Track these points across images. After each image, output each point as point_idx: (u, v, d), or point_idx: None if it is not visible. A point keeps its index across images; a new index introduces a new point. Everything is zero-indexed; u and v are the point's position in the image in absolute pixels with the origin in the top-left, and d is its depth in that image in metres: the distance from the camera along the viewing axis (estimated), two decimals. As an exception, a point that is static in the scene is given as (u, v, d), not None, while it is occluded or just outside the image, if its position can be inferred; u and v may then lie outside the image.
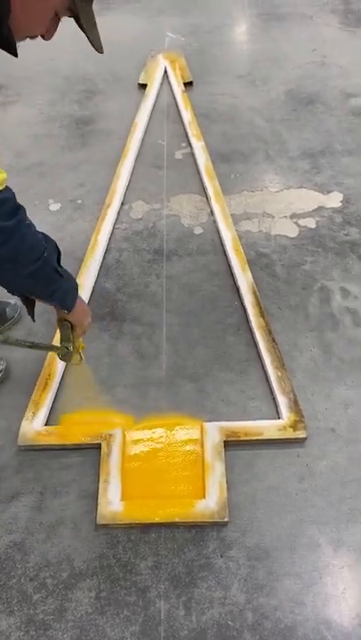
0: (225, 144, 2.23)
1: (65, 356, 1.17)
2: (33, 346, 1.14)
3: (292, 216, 1.87)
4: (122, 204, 1.94)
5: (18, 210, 0.88)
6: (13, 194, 0.87)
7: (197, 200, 1.96)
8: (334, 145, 2.19)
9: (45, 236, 0.97)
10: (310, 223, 1.83)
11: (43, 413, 1.28)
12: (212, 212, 1.89)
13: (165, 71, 2.70)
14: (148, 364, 1.42)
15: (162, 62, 2.75)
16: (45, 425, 1.27)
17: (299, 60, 2.81)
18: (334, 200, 1.92)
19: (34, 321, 1.16)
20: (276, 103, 2.48)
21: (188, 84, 2.61)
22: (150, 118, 2.38)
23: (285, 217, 1.87)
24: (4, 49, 0.83)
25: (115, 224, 1.86)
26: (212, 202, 1.90)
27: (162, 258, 1.73)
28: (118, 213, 1.90)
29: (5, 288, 1.01)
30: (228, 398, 1.33)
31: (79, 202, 1.95)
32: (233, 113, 2.42)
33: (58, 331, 1.19)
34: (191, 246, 1.77)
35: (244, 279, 1.60)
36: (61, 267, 1.00)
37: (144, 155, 2.18)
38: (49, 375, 1.36)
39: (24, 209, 0.90)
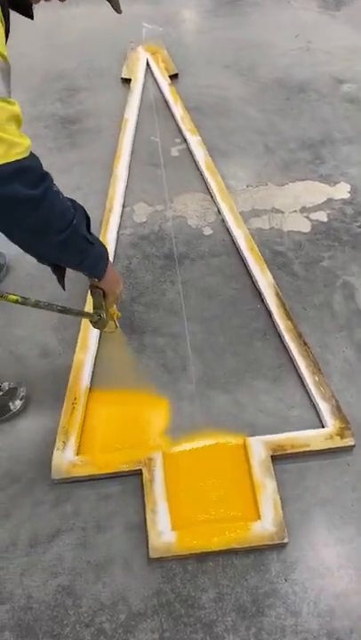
0: (221, 138, 2.16)
1: (98, 322, 1.14)
2: (64, 310, 1.08)
3: (303, 210, 1.82)
4: (123, 206, 1.85)
5: (45, 177, 0.84)
6: (39, 160, 0.84)
7: (202, 198, 1.89)
8: (333, 134, 2.15)
9: (73, 203, 0.93)
10: (322, 217, 1.79)
11: (73, 441, 1.20)
12: (219, 211, 1.83)
13: (148, 64, 2.61)
14: (176, 377, 1.36)
15: (143, 55, 2.65)
16: (78, 454, 1.19)
17: (283, 47, 2.75)
18: (342, 191, 1.88)
19: (64, 289, 1.10)
20: (267, 92, 2.42)
21: (173, 77, 2.52)
22: (139, 114, 2.28)
23: (295, 211, 1.82)
24: (18, 11, 0.83)
25: (119, 229, 1.77)
26: (218, 200, 1.83)
27: (173, 263, 1.66)
28: (121, 217, 1.81)
29: (34, 257, 0.97)
30: (267, 408, 1.28)
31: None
32: (224, 105, 2.35)
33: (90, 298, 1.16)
34: (203, 248, 1.70)
35: (264, 280, 1.54)
36: (91, 234, 0.97)
37: (139, 153, 2.09)
38: (75, 399, 1.28)
39: (50, 176, 0.86)
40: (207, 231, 1.76)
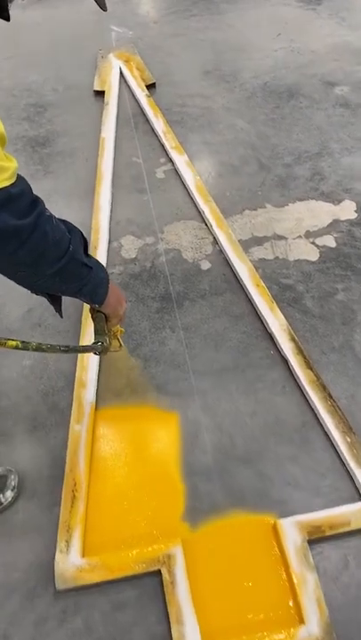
0: (210, 155, 2.05)
1: (102, 351, 1.06)
2: (68, 350, 0.97)
3: (307, 235, 1.71)
4: (109, 242, 1.72)
5: (35, 203, 0.77)
6: (27, 183, 0.77)
7: (195, 227, 1.77)
8: (330, 144, 2.06)
9: (67, 225, 0.86)
10: (329, 241, 1.69)
11: (78, 540, 1.07)
12: (216, 241, 1.71)
13: (122, 73, 2.47)
14: (188, 448, 1.23)
15: (115, 63, 2.52)
16: (84, 555, 1.06)
17: (266, 48, 2.65)
18: (348, 210, 1.79)
19: (61, 317, 1.05)
20: (254, 100, 2.31)
21: (150, 87, 2.40)
22: (117, 131, 2.15)
23: (300, 237, 1.71)
24: None
25: (106, 268, 1.63)
26: (214, 228, 1.71)
27: (172, 305, 1.53)
28: (108, 254, 1.68)
29: (27, 288, 0.91)
30: (296, 480, 1.16)
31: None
32: (209, 116, 2.24)
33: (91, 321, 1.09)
34: (202, 286, 1.58)
35: (275, 322, 1.43)
36: (89, 256, 0.91)
37: (121, 177, 1.96)
38: (75, 484, 1.15)
39: (41, 201, 0.79)
40: (205, 265, 1.64)
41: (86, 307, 1.16)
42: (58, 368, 1.38)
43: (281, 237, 1.72)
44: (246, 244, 1.69)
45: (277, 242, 1.70)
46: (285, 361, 1.37)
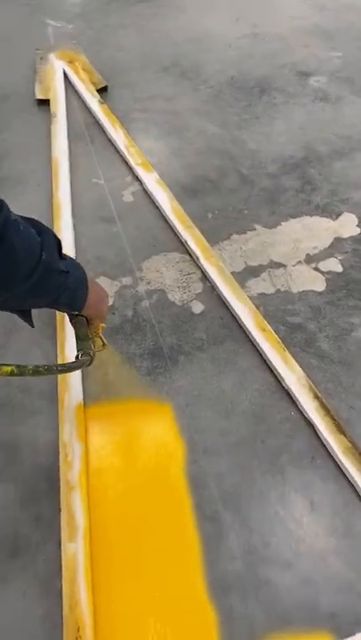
0: (182, 170, 1.86)
1: (90, 363, 0.96)
2: (64, 369, 0.90)
3: (309, 260, 1.56)
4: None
5: None
6: None
7: (178, 260, 1.58)
8: (316, 146, 1.91)
9: (36, 226, 0.75)
10: (334, 266, 1.54)
11: None
12: (205, 276, 1.53)
13: (66, 76, 2.24)
14: (212, 553, 1.06)
15: (57, 65, 2.29)
16: None
17: (226, 36, 2.48)
18: (349, 225, 1.65)
19: (32, 327, 0.93)
20: (222, 99, 2.14)
21: (101, 91, 2.18)
22: (71, 148, 1.93)
23: (300, 263, 1.56)
24: None
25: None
26: (202, 261, 1.54)
27: (164, 363, 1.35)
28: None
29: None
30: (347, 582, 1.01)
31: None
32: (175, 122, 2.05)
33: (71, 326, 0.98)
34: (198, 334, 1.40)
35: (291, 375, 1.27)
36: (63, 258, 0.81)
37: (82, 205, 1.75)
38: (78, 628, 0.95)
39: (4, 203, 0.68)
40: (197, 307, 1.47)
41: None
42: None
43: (279, 265, 1.56)
44: (241, 277, 1.53)
45: (276, 271, 1.54)
46: (311, 424, 1.21)
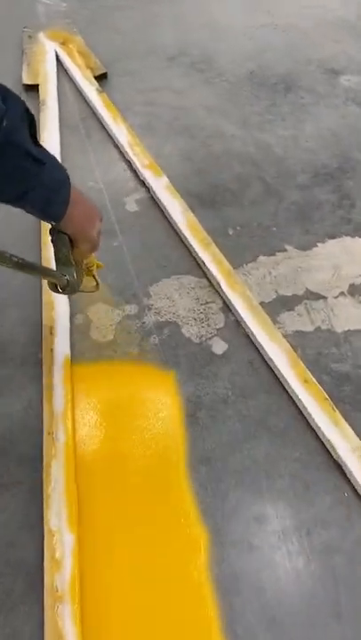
0: (196, 175, 1.63)
1: (66, 288, 0.88)
2: (23, 265, 0.75)
3: (353, 290, 1.35)
4: (70, 317, 1.26)
5: None
6: None
7: (194, 285, 1.35)
8: (353, 154, 1.71)
9: (3, 93, 0.65)
10: (385, 300, 1.32)
11: None
12: (227, 306, 1.30)
13: (59, 60, 2.00)
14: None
15: (49, 46, 2.05)
16: None
17: (241, 25, 2.28)
18: None
19: None
20: (241, 96, 1.92)
21: (100, 78, 1.95)
22: (63, 144, 1.68)
23: (343, 294, 1.34)
24: None
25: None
26: (225, 288, 1.31)
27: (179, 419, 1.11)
28: (71, 337, 1.23)
29: None
30: None
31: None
32: (186, 119, 1.82)
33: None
34: (221, 383, 1.17)
35: (344, 444, 1.05)
36: (39, 147, 0.72)
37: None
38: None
39: None
40: (219, 346, 1.23)
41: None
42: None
43: (317, 296, 1.34)
44: (272, 310, 1.30)
45: (314, 303, 1.32)
46: (372, 508, 0.98)
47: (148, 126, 1.78)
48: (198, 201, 1.55)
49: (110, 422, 1.09)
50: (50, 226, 0.87)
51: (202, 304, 1.31)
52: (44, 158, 0.71)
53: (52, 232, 0.85)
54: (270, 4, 2.42)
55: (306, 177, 1.63)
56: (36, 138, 0.71)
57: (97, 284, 1.04)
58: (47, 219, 0.80)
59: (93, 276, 1.03)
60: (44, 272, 0.82)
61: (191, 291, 1.34)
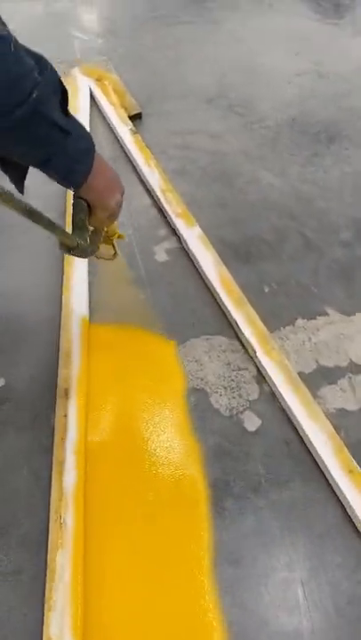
0: (230, 226, 1.56)
1: (75, 249, 0.89)
2: (28, 213, 0.73)
3: None
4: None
5: None
6: None
7: (226, 347, 1.26)
8: None
9: (38, 61, 0.69)
10: None
11: None
12: (262, 376, 1.20)
13: (92, 96, 1.98)
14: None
15: (83, 82, 2.02)
16: None
17: (284, 70, 2.25)
18: None
19: (22, 193, 0.84)
20: (281, 143, 1.87)
21: (134, 118, 1.91)
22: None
23: (392, 369, 1.23)
24: None
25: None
26: (260, 355, 1.21)
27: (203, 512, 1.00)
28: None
29: None
30: None
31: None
32: (223, 166, 1.77)
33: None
34: (252, 466, 1.06)
35: (394, 551, 0.92)
36: (69, 117, 0.76)
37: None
38: None
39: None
40: (251, 422, 1.13)
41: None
42: None
43: (362, 369, 1.23)
44: (311, 382, 1.20)
45: (358, 377, 1.22)
46: None
47: (183, 171, 1.73)
48: (232, 252, 1.47)
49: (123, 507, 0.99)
50: None
51: (233, 370, 1.22)
52: (70, 129, 0.75)
53: (73, 196, 0.88)
54: (314, 50, 2.40)
55: (350, 233, 1.55)
56: (66, 108, 0.76)
57: (115, 252, 1.11)
58: (67, 185, 0.83)
59: (113, 245, 1.10)
60: (52, 226, 0.81)
61: (222, 354, 1.25)
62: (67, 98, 0.76)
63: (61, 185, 0.83)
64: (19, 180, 0.85)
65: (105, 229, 1.02)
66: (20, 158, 0.78)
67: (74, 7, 2.66)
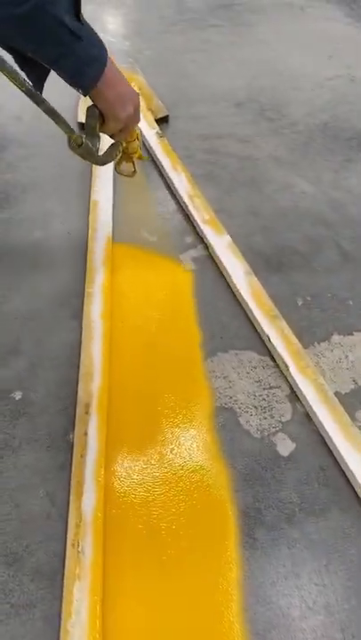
0: (261, 234, 1.49)
1: (80, 146, 0.95)
2: (29, 93, 0.82)
3: None
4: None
5: None
6: None
7: (256, 364, 1.18)
8: None
9: None
10: None
11: None
12: (296, 395, 1.12)
13: (118, 99, 1.92)
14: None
15: (109, 84, 1.97)
16: None
17: (316, 75, 2.18)
18: None
19: (40, 92, 0.87)
20: (313, 149, 1.80)
21: (160, 121, 1.86)
22: (116, 190, 1.58)
23: None
24: None
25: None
26: (294, 373, 1.13)
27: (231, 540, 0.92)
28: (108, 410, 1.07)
29: None
30: None
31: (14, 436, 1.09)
32: (252, 171, 1.70)
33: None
34: (285, 493, 0.98)
35: None
36: (80, 22, 0.79)
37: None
38: None
39: None
40: (284, 445, 1.05)
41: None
42: None
43: None
44: (348, 403, 1.12)
45: None
46: None
47: (210, 176, 1.67)
48: (263, 262, 1.40)
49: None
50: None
51: (265, 389, 1.14)
52: (82, 35, 0.79)
53: (90, 106, 0.94)
54: (346, 54, 2.33)
55: (386, 244, 1.47)
56: (78, 14, 0.79)
57: (134, 170, 1.22)
58: (76, 87, 0.87)
59: (133, 163, 1.19)
60: (52, 113, 0.88)
61: (252, 371, 1.18)
62: (79, 3, 0.79)
63: (72, 87, 0.87)
64: (37, 80, 0.89)
65: (123, 145, 1.10)
66: (33, 55, 0.82)
67: (101, 10, 2.63)
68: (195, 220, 1.47)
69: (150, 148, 1.72)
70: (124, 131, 1.01)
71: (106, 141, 1.03)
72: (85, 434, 1.02)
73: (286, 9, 2.68)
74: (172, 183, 1.58)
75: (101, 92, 0.88)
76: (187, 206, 1.50)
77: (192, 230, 1.48)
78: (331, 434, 1.04)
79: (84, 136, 0.95)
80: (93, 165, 1.61)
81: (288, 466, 1.02)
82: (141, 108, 1.83)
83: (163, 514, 0.94)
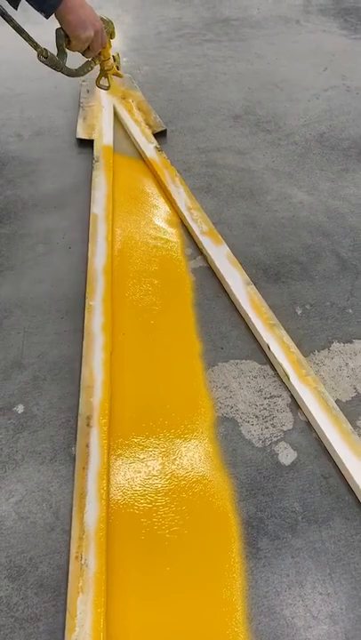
0: (259, 244, 1.50)
1: (46, 58, 1.16)
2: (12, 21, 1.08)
3: None
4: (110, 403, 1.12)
5: None
6: None
7: (257, 373, 1.19)
8: None
9: None
10: None
11: None
12: (297, 404, 1.12)
13: (117, 115, 1.95)
14: None
15: (107, 100, 2.00)
16: None
17: (312, 86, 2.20)
18: None
19: (15, 9, 1.16)
20: (310, 159, 1.81)
21: (159, 135, 1.88)
22: (115, 203, 1.59)
23: None
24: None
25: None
26: (293, 379, 1.14)
27: (235, 550, 0.92)
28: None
29: None
30: None
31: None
32: (250, 182, 1.72)
33: None
34: (288, 502, 0.99)
35: None
36: None
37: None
38: None
39: None
40: (286, 455, 1.05)
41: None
42: None
43: None
44: (350, 411, 1.12)
45: None
46: None
47: (209, 188, 1.68)
48: (262, 272, 1.42)
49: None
50: None
51: (265, 398, 1.15)
52: None
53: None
54: (342, 66, 2.36)
55: (385, 252, 1.48)
56: None
57: (109, 85, 1.47)
58: (41, 13, 1.07)
59: (108, 79, 1.44)
60: (22, 32, 1.09)
61: (253, 380, 1.18)
62: None
63: (40, 14, 1.07)
64: (12, 0, 1.13)
65: (97, 63, 1.36)
66: None
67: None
68: (193, 231, 1.48)
69: (148, 163, 1.73)
70: (91, 50, 1.23)
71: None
72: (87, 446, 1.02)
73: (282, 23, 2.72)
74: (172, 196, 1.60)
75: (63, 16, 1.10)
76: (185, 218, 1.52)
77: (191, 242, 1.49)
78: (332, 442, 1.04)
79: (49, 51, 1.15)
80: (92, 177, 1.63)
81: (290, 475, 1.03)
82: (139, 123, 1.86)
83: (165, 525, 0.94)
